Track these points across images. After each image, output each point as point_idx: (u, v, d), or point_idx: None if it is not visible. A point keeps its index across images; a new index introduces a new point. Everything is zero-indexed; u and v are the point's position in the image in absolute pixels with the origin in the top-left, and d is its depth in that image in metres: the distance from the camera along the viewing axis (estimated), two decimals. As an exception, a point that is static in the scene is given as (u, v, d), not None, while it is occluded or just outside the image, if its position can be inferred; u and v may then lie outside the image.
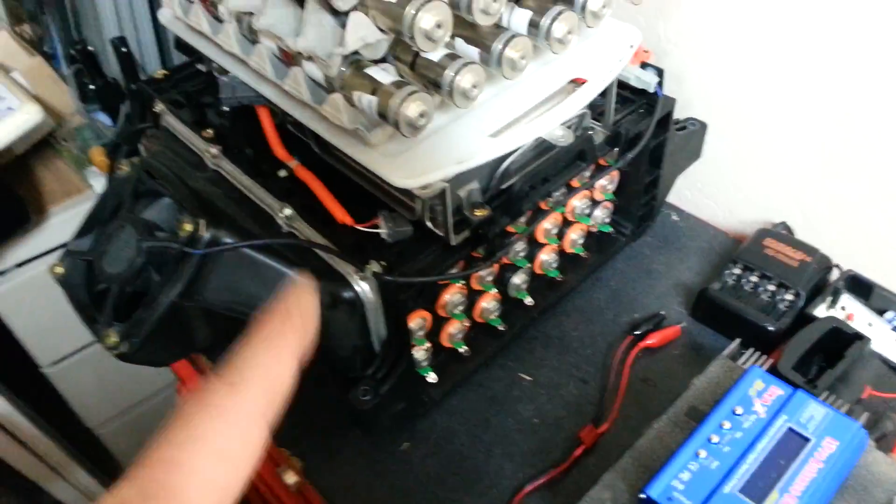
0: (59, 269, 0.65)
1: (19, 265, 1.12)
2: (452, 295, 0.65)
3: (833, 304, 0.68)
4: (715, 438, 0.50)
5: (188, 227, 0.58)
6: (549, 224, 0.69)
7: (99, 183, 1.09)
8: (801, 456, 0.48)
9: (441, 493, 0.62)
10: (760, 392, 0.53)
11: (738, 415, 0.51)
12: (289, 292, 0.36)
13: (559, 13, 0.54)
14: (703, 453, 0.49)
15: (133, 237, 0.60)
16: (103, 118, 1.13)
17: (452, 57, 0.52)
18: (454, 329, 0.68)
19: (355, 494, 0.64)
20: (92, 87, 1.14)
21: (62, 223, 1.12)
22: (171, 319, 0.59)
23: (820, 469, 0.48)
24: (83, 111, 1.08)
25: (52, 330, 1.22)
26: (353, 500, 0.63)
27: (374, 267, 0.58)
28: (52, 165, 1.16)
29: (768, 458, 0.49)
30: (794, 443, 0.49)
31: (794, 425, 0.50)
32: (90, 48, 0.93)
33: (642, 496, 0.48)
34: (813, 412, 0.51)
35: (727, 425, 0.51)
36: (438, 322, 0.67)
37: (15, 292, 1.13)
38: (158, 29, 1.10)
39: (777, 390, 0.52)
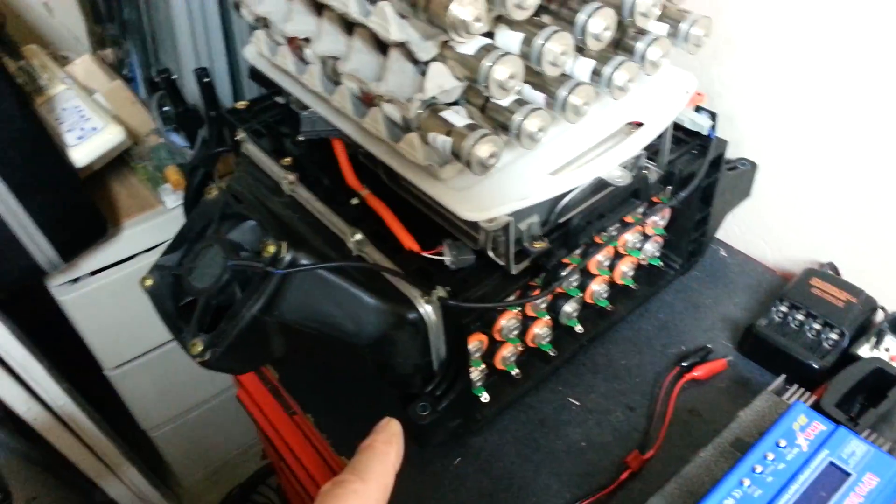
0: (149, 282, 0.71)
1: (93, 273, 1.19)
2: (508, 320, 0.69)
3: (877, 344, 0.70)
4: (759, 468, 0.53)
5: (272, 248, 0.63)
6: (601, 256, 0.73)
7: (171, 199, 1.16)
8: (841, 490, 0.51)
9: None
10: (804, 427, 0.55)
11: (782, 447, 0.54)
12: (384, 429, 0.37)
13: (621, 63, 0.58)
14: (746, 482, 0.52)
15: (220, 256, 0.66)
16: (177, 139, 1.20)
17: (520, 102, 0.57)
18: (508, 352, 0.72)
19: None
20: (166, 108, 1.22)
21: (134, 236, 1.19)
22: (251, 332, 0.65)
23: (860, 503, 0.50)
24: (164, 133, 1.16)
25: (117, 336, 1.29)
26: (407, 513, 0.67)
27: (440, 292, 0.62)
28: (126, 181, 1.24)
29: (809, 490, 0.51)
30: (835, 477, 0.52)
31: (835, 460, 0.53)
32: (174, 77, 1.00)
33: (688, 519, 0.51)
34: (855, 448, 0.53)
35: (771, 456, 0.53)
36: (493, 345, 0.71)
37: (86, 299, 1.20)
38: (231, 60, 1.17)
39: (820, 426, 0.55)
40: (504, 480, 0.68)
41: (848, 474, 0.52)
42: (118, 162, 1.23)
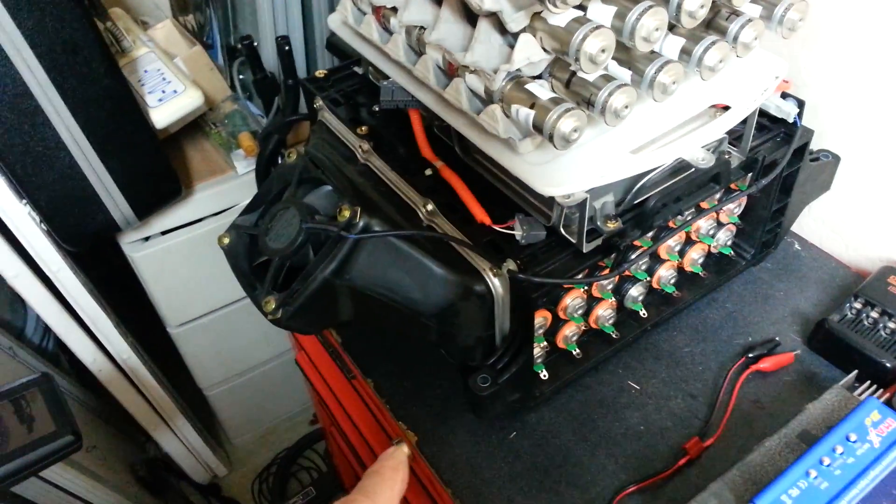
0: (226, 240, 0.73)
1: (163, 233, 1.23)
2: (574, 299, 0.69)
3: (956, 347, 0.67)
4: (826, 461, 0.52)
5: (347, 212, 0.65)
6: (673, 241, 0.72)
7: (242, 165, 1.19)
8: (915, 488, 0.50)
9: (546, 482, 0.66)
10: (876, 423, 0.54)
11: (852, 441, 0.53)
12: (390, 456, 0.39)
13: (713, 43, 0.57)
14: (813, 473, 0.51)
15: (296, 218, 0.67)
16: (252, 107, 1.23)
17: (607, 78, 0.56)
18: (570, 331, 0.72)
19: (463, 472, 0.68)
20: (242, 77, 1.25)
21: (206, 198, 1.22)
22: (322, 294, 0.66)
23: (934, 503, 0.49)
24: (242, 99, 1.18)
25: (182, 295, 1.34)
26: (459, 477, 0.68)
27: (510, 265, 0.62)
28: (200, 146, 1.27)
29: (879, 487, 0.50)
30: (909, 475, 0.51)
31: (910, 458, 0.52)
32: (255, 44, 1.02)
33: (752, 506, 0.51)
34: (931, 448, 0.52)
35: (840, 450, 0.52)
36: (557, 323, 0.71)
37: (156, 257, 1.24)
38: (307, 29, 1.19)
39: (893, 423, 0.54)
40: (559, 457, 0.68)
41: (922, 474, 0.51)
42: (193, 126, 1.27)
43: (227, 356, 1.49)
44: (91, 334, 1.25)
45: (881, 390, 0.61)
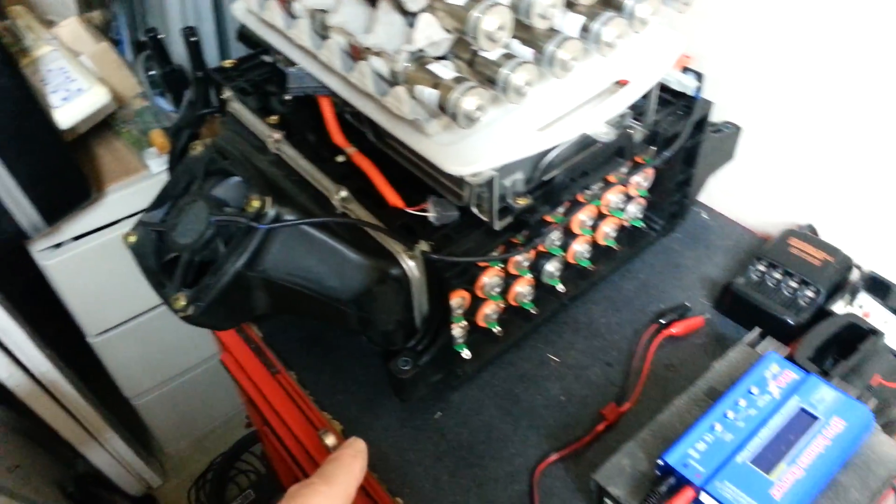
0: (132, 238, 0.71)
1: (76, 238, 1.18)
2: (491, 277, 0.70)
3: (851, 301, 0.72)
4: (731, 414, 0.54)
5: (256, 203, 0.64)
6: (584, 216, 0.74)
7: (156, 164, 1.15)
8: (809, 433, 0.53)
9: (470, 458, 0.67)
10: (776, 375, 0.57)
11: (754, 394, 0.56)
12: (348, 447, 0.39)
13: (609, 19, 0.59)
14: (718, 427, 0.54)
15: (204, 211, 0.66)
16: (163, 103, 1.19)
17: (508, 56, 0.57)
18: (490, 310, 0.73)
19: (388, 456, 0.69)
20: (152, 73, 1.21)
21: (118, 200, 1.18)
22: (235, 287, 0.65)
23: (827, 446, 0.52)
24: (150, 95, 1.15)
25: (101, 302, 1.29)
26: (387, 462, 0.68)
27: (423, 246, 0.63)
28: (110, 146, 1.23)
29: (779, 434, 0.53)
30: (804, 421, 0.54)
31: (805, 405, 0.54)
32: (161, 36, 0.99)
33: (660, 462, 0.53)
34: (824, 395, 0.55)
35: (743, 403, 0.55)
36: (476, 302, 0.72)
37: (69, 264, 1.20)
38: (219, 20, 1.16)
39: (791, 374, 0.57)
40: (483, 433, 0.69)
41: (816, 419, 0.54)
42: (103, 126, 1.22)
43: (152, 363, 1.45)
44: (5, 349, 1.19)
45: (782, 345, 0.64)
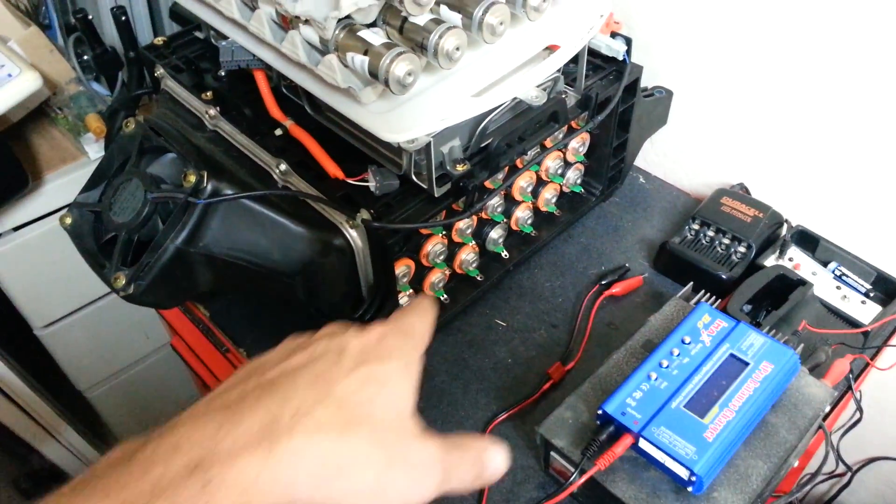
0: (68, 220, 0.70)
1: (15, 229, 1.15)
2: (434, 245, 0.71)
3: (781, 255, 0.74)
4: (665, 363, 0.56)
5: (192, 178, 0.63)
6: (524, 182, 0.75)
7: (94, 149, 1.13)
8: (740, 377, 0.55)
9: (421, 423, 0.68)
10: (707, 325, 0.59)
11: (687, 343, 0.58)
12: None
13: (534, -17, 0.60)
14: (654, 375, 0.56)
15: (140, 189, 0.65)
16: (98, 87, 1.16)
17: (437, 22, 0.57)
18: (436, 278, 0.74)
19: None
20: (87, 56, 1.18)
21: (58, 188, 1.15)
22: (176, 264, 0.65)
23: (756, 388, 0.54)
24: (83, 79, 1.12)
25: (46, 293, 1.26)
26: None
27: (364, 215, 0.63)
28: (47, 133, 1.20)
29: (711, 379, 0.55)
30: (734, 366, 0.56)
31: (735, 352, 0.57)
32: (90, 17, 0.96)
33: (599, 412, 0.54)
34: (753, 341, 0.57)
35: (676, 352, 0.57)
36: (421, 271, 0.73)
37: (10, 255, 1.17)
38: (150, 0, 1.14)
39: (722, 323, 0.59)
40: (434, 398, 0.70)
41: (746, 364, 0.56)
42: (38, 114, 1.19)
43: (103, 354, 1.43)
44: (-54, 344, 1.16)
45: (716, 298, 0.67)
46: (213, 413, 0.29)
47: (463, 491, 0.34)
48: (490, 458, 0.35)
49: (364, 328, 0.35)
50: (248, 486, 0.27)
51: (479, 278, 0.76)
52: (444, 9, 0.61)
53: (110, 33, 1.10)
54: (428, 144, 0.61)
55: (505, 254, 0.78)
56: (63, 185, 1.15)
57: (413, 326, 0.36)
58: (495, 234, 0.77)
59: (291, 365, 0.32)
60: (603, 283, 0.77)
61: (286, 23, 0.62)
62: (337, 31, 0.58)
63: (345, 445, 0.29)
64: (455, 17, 0.60)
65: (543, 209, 0.81)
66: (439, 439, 0.33)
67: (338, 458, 0.29)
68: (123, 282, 0.64)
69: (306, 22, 0.60)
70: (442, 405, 0.70)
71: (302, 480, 0.28)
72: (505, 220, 0.77)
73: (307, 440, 0.28)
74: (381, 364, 0.32)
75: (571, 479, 0.55)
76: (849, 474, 0.89)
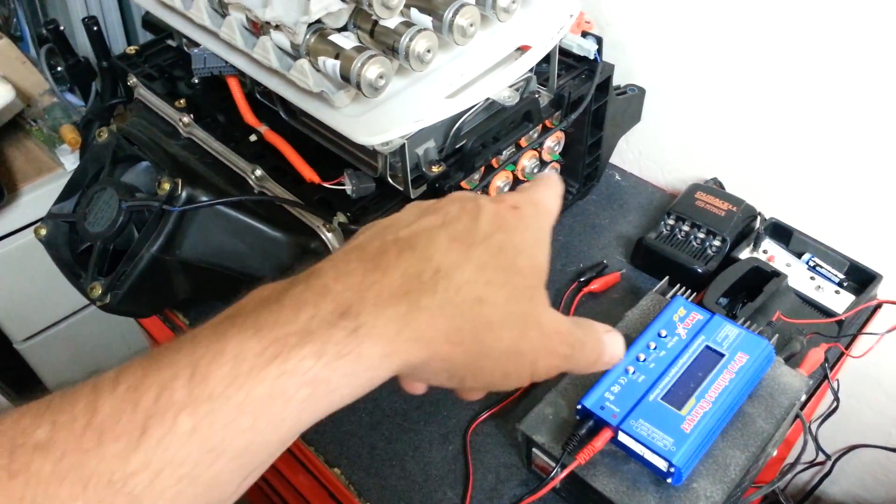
0: (43, 231, 0.70)
1: (-9, 242, 1.14)
2: (413, 247, 0.71)
3: (756, 247, 0.75)
4: (642, 357, 0.57)
5: (167, 185, 0.63)
6: (500, 182, 0.76)
7: (69, 161, 1.12)
8: (716, 368, 0.56)
9: (405, 424, 0.68)
10: (682, 317, 0.60)
11: (663, 337, 0.58)
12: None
13: (502, -16, 0.60)
14: (631, 370, 0.56)
15: (114, 198, 0.65)
16: (72, 98, 1.16)
17: (407, 24, 0.58)
18: (416, 280, 0.74)
19: (324, 429, 0.69)
20: (60, 67, 1.17)
21: (34, 200, 1.15)
22: (152, 273, 0.65)
23: (732, 379, 0.55)
24: (56, 90, 1.11)
25: (24, 306, 1.25)
26: (323, 434, 0.69)
27: (341, 218, 0.63)
28: (22, 146, 1.19)
29: (687, 371, 0.56)
30: (710, 358, 0.56)
31: (710, 343, 0.57)
32: (61, 28, 0.96)
33: (579, 407, 0.55)
34: (728, 332, 0.58)
35: (653, 346, 0.58)
36: (401, 273, 0.73)
37: (-13, 269, 1.16)
38: (124, 9, 1.13)
39: (697, 315, 0.60)
40: (416, 399, 0.70)
41: (722, 355, 0.57)
42: (12, 126, 1.18)
43: (85, 367, 1.41)
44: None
45: (691, 292, 0.67)
46: (356, 262, 0.29)
47: (582, 372, 0.36)
48: (609, 343, 0.36)
49: (498, 196, 0.35)
50: (392, 338, 0.28)
51: (458, 279, 0.77)
52: (414, 11, 0.61)
53: (83, 43, 1.09)
54: (402, 146, 0.61)
55: (484, 254, 0.78)
56: (39, 196, 1.15)
57: (545, 198, 0.36)
58: (473, 234, 0.77)
59: (425, 225, 0.31)
60: (581, 280, 0.77)
61: (257, 29, 0.63)
62: (308, 36, 0.58)
63: (482, 307, 0.30)
64: (426, 20, 0.60)
65: (521, 208, 0.81)
66: (567, 316, 0.34)
67: (475, 318, 0.29)
68: (100, 291, 0.64)
69: (277, 27, 0.60)
70: (424, 406, 0.70)
71: (441, 338, 0.29)
72: (483, 220, 0.78)
73: (446, 300, 0.29)
74: (517, 232, 0.32)
75: (552, 474, 0.56)
76: (829, 462, 0.91)
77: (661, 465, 0.52)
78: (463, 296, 0.29)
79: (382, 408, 0.70)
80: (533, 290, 0.32)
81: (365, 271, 0.29)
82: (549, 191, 0.37)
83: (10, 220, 1.14)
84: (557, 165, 0.83)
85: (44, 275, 1.18)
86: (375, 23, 0.59)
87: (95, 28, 0.89)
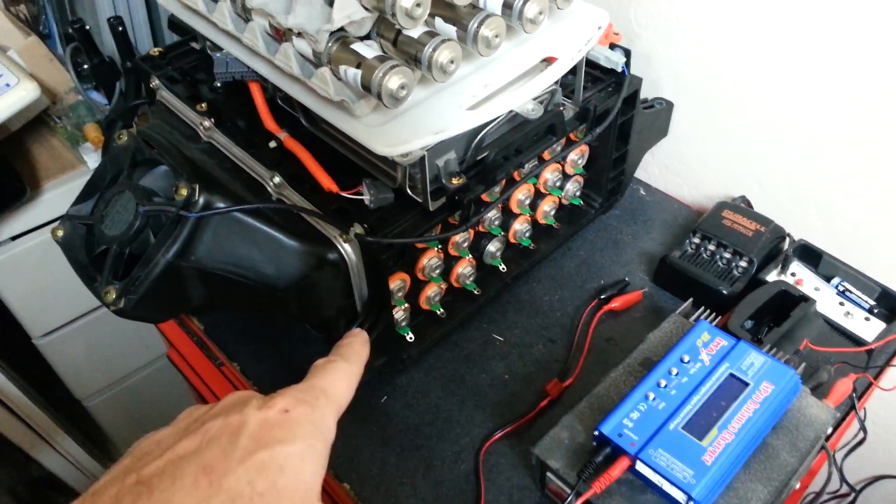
0: (60, 233, 0.69)
1: (14, 238, 1.15)
2: (430, 259, 0.70)
3: (784, 270, 0.73)
4: (663, 383, 0.55)
5: (184, 191, 0.62)
6: (522, 195, 0.74)
7: (92, 159, 1.13)
8: (739, 398, 0.54)
9: (417, 440, 0.67)
10: (706, 343, 0.58)
11: (686, 362, 0.56)
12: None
13: (530, -5, 0.59)
14: (651, 395, 0.55)
15: (132, 202, 0.64)
16: (97, 97, 1.16)
17: (431, 34, 0.57)
18: (432, 292, 0.73)
19: (336, 443, 0.68)
20: (86, 65, 1.17)
21: (57, 198, 1.15)
22: (167, 278, 0.64)
23: (756, 409, 0.53)
24: (80, 89, 1.12)
25: (44, 302, 1.26)
26: (333, 448, 0.67)
27: (357, 229, 0.62)
28: (46, 142, 1.19)
29: (710, 400, 0.54)
30: (734, 387, 0.55)
31: (735, 371, 0.55)
32: (87, 27, 0.96)
33: (596, 433, 0.53)
34: (753, 360, 0.56)
35: (674, 371, 0.56)
36: (417, 285, 0.72)
37: (9, 264, 1.16)
38: (151, 9, 1.13)
39: (722, 341, 0.58)
40: (429, 415, 0.69)
41: (746, 384, 0.55)
42: (38, 123, 1.19)
43: (102, 363, 1.42)
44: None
45: (714, 314, 0.65)
46: None
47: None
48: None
49: (269, 398, 0.31)
50: None
51: (476, 292, 0.75)
52: (438, 21, 0.60)
53: (109, 43, 1.09)
54: (423, 158, 0.60)
55: (503, 267, 0.77)
56: (61, 194, 1.15)
57: (331, 384, 0.34)
58: (493, 247, 0.76)
59: (178, 453, 0.29)
60: (602, 297, 0.76)
61: (279, 35, 0.62)
62: (330, 44, 0.57)
63: None
64: (450, 30, 0.59)
65: (542, 222, 0.80)
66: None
67: None
68: (114, 296, 0.63)
69: (299, 34, 0.59)
70: (437, 422, 0.69)
71: None
72: (503, 233, 0.76)
73: None
74: (281, 446, 0.29)
75: (568, 501, 0.54)
76: (853, 494, 0.88)
77: (680, 497, 0.50)
78: None
79: (395, 422, 0.69)
80: None
81: None
82: (341, 373, 0.35)
83: (33, 217, 1.15)
84: (580, 179, 0.81)
85: (64, 271, 1.18)
86: (399, 32, 0.58)
87: (120, 28, 0.90)
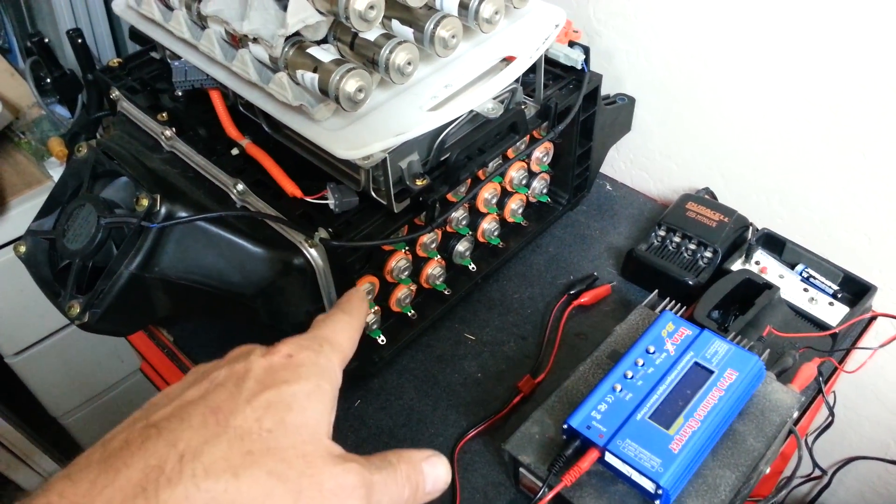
0: (22, 248, 0.68)
1: (-20, 256, 1.13)
2: (398, 261, 0.70)
3: (748, 259, 0.74)
4: (630, 374, 0.56)
5: (145, 201, 0.62)
6: (488, 194, 0.75)
7: (58, 174, 1.11)
8: (704, 386, 0.54)
9: (392, 443, 0.67)
10: (671, 333, 0.58)
11: (651, 353, 0.57)
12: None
13: (485, -5, 0.59)
14: (618, 387, 0.55)
15: (93, 214, 0.64)
16: (60, 110, 1.15)
17: (388, 37, 0.57)
18: (402, 294, 0.73)
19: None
20: (48, 79, 1.16)
21: (22, 214, 1.13)
22: (132, 290, 0.63)
23: (721, 396, 0.54)
24: (41, 103, 1.10)
25: (15, 320, 1.24)
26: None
27: (323, 234, 0.62)
28: (10, 158, 1.18)
29: (676, 389, 0.54)
30: (699, 375, 0.55)
31: (699, 360, 0.56)
32: (46, 40, 0.95)
33: (565, 426, 0.54)
34: (717, 348, 0.57)
35: (641, 362, 0.56)
36: (387, 288, 0.72)
37: (-23, 283, 1.15)
38: (113, 20, 1.12)
39: (686, 331, 0.58)
40: (403, 416, 0.69)
41: (711, 372, 0.55)
42: (1, 139, 1.17)
43: (77, 380, 1.40)
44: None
45: (681, 305, 0.66)
46: (90, 466, 0.26)
47: None
48: (428, 472, 0.33)
49: (272, 347, 0.32)
50: None
51: (446, 292, 0.76)
52: (395, 23, 0.60)
53: (71, 56, 1.08)
54: (385, 160, 0.60)
55: (472, 267, 0.77)
56: (28, 210, 1.13)
57: (334, 333, 0.34)
58: (461, 247, 0.76)
59: (186, 399, 0.29)
60: (571, 292, 0.76)
61: (236, 41, 0.62)
62: (286, 49, 0.57)
63: (241, 486, 0.26)
64: (406, 32, 0.59)
65: (510, 220, 0.80)
66: (362, 459, 0.30)
67: (233, 501, 0.26)
68: (78, 310, 0.63)
69: (255, 40, 0.59)
70: (411, 423, 0.69)
71: None
72: (471, 232, 0.76)
73: (194, 488, 0.25)
74: (287, 386, 0.29)
75: (539, 495, 0.54)
76: (827, 476, 0.89)
77: (649, 486, 0.51)
78: (213, 480, 0.26)
79: (369, 425, 0.69)
80: (309, 449, 0.29)
81: (98, 473, 0.26)
82: (342, 323, 0.35)
83: (0, 233, 1.13)
84: (546, 176, 0.82)
85: (34, 288, 1.17)
86: (355, 35, 0.58)
87: (80, 40, 0.89)
